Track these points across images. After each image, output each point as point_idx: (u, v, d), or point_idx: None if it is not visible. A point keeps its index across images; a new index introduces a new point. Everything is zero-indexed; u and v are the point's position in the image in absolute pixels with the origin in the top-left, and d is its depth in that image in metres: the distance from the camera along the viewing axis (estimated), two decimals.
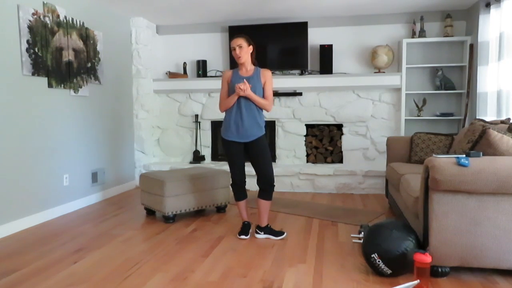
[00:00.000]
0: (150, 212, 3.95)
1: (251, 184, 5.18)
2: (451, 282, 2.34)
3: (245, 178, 3.26)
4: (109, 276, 2.48)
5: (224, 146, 3.22)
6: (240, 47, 3.08)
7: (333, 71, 5.29)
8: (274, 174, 5.09)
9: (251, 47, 3.14)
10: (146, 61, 5.44)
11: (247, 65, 3.15)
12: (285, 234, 3.23)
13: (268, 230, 3.21)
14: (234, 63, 5.41)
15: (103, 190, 4.73)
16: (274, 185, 3.19)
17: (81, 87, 4.30)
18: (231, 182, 3.30)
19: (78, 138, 4.30)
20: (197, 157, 5.57)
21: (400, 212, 3.37)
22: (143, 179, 3.87)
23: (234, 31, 5.38)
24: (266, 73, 3.16)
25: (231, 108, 3.14)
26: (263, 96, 3.16)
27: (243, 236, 3.20)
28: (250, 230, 3.28)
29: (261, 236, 3.21)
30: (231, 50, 3.16)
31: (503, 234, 2.27)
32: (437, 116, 5.01)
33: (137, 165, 5.46)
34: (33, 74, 3.63)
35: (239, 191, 3.24)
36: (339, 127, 5.41)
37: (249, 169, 5.12)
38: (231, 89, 3.13)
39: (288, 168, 5.09)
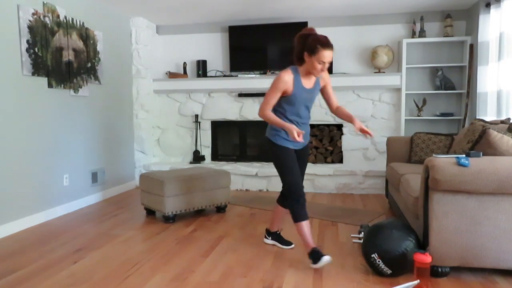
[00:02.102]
0: (150, 212, 3.95)
1: (252, 184, 5.19)
2: (451, 282, 2.34)
3: None
4: (109, 276, 2.48)
5: (283, 153, 2.66)
6: (329, 62, 2.54)
7: (333, 71, 5.29)
8: (274, 174, 5.13)
9: None
10: (146, 61, 5.44)
11: None
12: (293, 245, 2.99)
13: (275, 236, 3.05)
14: (234, 64, 5.41)
15: (103, 190, 4.73)
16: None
17: (81, 87, 4.30)
18: (291, 194, 2.62)
19: (78, 138, 4.30)
20: (197, 157, 5.57)
21: (400, 212, 3.37)
22: (143, 179, 3.87)
23: (234, 31, 5.39)
24: (326, 76, 2.76)
25: (289, 115, 2.66)
26: (327, 100, 2.81)
27: (326, 258, 2.50)
28: (327, 260, 2.52)
29: (269, 241, 3.08)
30: (314, 61, 2.50)
31: (503, 234, 2.27)
32: (437, 116, 5.01)
33: (137, 165, 5.46)
34: (33, 74, 3.63)
35: (304, 205, 2.65)
36: (339, 127, 5.41)
37: (247, 168, 5.13)
38: (290, 98, 2.61)
39: None
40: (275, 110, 2.70)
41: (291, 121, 2.67)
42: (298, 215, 2.62)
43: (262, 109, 2.61)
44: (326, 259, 2.48)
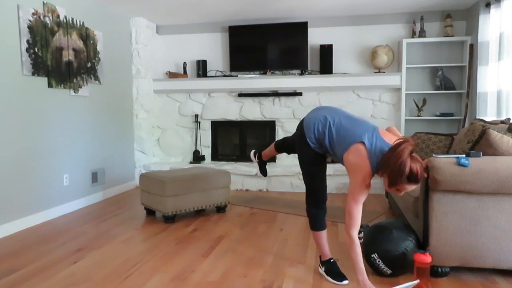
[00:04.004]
0: (150, 212, 3.95)
1: (252, 184, 5.19)
2: (451, 282, 2.34)
3: None
4: (109, 276, 2.48)
5: (316, 160, 2.39)
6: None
7: (333, 71, 5.29)
8: (275, 174, 5.13)
9: None
10: (146, 61, 5.44)
11: None
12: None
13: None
14: (234, 64, 5.41)
15: (103, 190, 4.73)
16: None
17: (81, 87, 4.30)
18: (314, 204, 2.44)
19: (78, 138, 4.30)
20: (197, 157, 5.57)
21: (400, 212, 3.37)
22: (143, 179, 3.87)
23: (234, 31, 5.38)
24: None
25: None
26: None
27: (345, 282, 2.34)
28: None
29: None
30: (396, 188, 2.03)
31: (503, 234, 2.27)
32: (437, 116, 5.01)
33: (137, 165, 5.46)
34: (33, 74, 3.63)
35: (325, 215, 2.48)
36: None
37: (247, 168, 5.13)
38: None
39: (288, 168, 5.09)
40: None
41: None
42: (322, 223, 2.47)
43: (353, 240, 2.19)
44: (345, 282, 2.33)
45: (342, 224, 3.56)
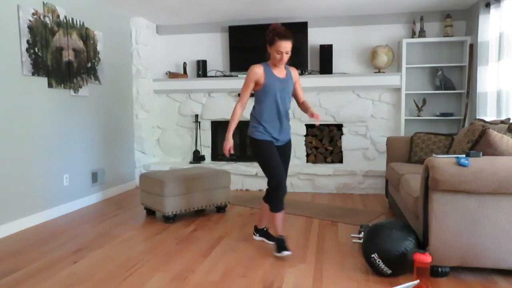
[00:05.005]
0: (150, 212, 3.95)
1: (252, 184, 5.19)
2: (451, 282, 2.34)
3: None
4: (109, 276, 2.48)
5: (263, 146, 2.79)
6: (287, 53, 2.72)
7: (333, 71, 5.29)
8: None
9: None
10: (146, 61, 5.44)
11: (283, 65, 2.83)
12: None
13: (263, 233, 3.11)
14: (234, 64, 5.41)
15: (103, 190, 4.73)
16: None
17: (81, 87, 4.30)
18: (273, 186, 2.75)
19: (78, 138, 4.30)
20: (197, 157, 5.57)
21: (400, 212, 3.37)
22: (143, 179, 3.87)
23: (234, 31, 5.38)
24: (295, 74, 2.95)
25: (267, 111, 2.81)
26: (296, 96, 2.99)
27: (286, 252, 2.71)
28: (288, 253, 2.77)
29: (257, 238, 3.16)
30: (271, 53, 2.72)
31: (503, 234, 2.27)
32: (437, 116, 5.01)
33: (137, 165, 5.46)
34: (33, 74, 3.63)
35: (283, 197, 2.80)
36: (339, 127, 5.41)
37: (247, 168, 5.13)
38: (265, 88, 2.77)
39: (288, 168, 5.08)
40: (255, 108, 2.88)
41: (270, 119, 2.81)
42: (276, 206, 2.79)
43: (236, 105, 2.86)
44: (286, 253, 2.71)
45: (342, 224, 3.57)
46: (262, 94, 2.81)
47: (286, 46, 2.69)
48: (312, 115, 2.76)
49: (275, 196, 2.76)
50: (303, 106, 2.98)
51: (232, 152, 2.86)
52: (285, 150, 2.96)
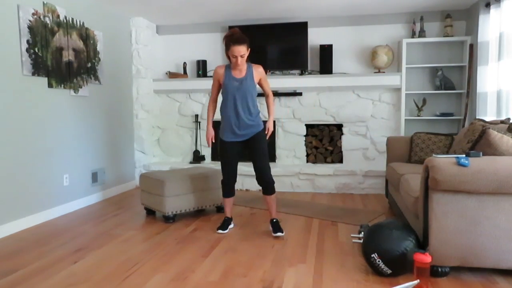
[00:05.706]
0: (150, 212, 3.95)
1: (252, 184, 5.19)
2: (451, 282, 2.34)
3: (236, 178, 3.36)
4: (109, 276, 2.48)
5: (221, 147, 3.30)
6: (242, 56, 3.00)
7: (333, 71, 5.29)
8: (275, 174, 5.12)
9: (249, 49, 3.06)
10: (146, 61, 5.44)
11: (242, 66, 3.11)
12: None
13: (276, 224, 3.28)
14: None
15: (103, 190, 4.73)
16: (273, 181, 3.29)
17: (81, 87, 4.30)
18: (222, 179, 3.38)
19: (78, 138, 4.30)
20: (197, 157, 5.57)
21: (400, 212, 3.37)
22: (143, 179, 3.87)
23: None
24: (259, 71, 3.17)
25: (226, 108, 3.18)
26: (265, 93, 3.29)
27: (220, 231, 3.31)
28: (230, 226, 3.43)
29: (280, 234, 3.21)
30: (229, 56, 3.02)
31: (503, 234, 2.27)
32: (437, 116, 5.01)
33: (137, 165, 5.46)
34: (33, 74, 3.63)
35: (229, 189, 3.35)
36: (339, 127, 5.41)
37: (248, 168, 5.13)
38: (224, 88, 3.15)
39: (288, 168, 5.09)
40: (222, 103, 3.21)
41: (230, 115, 3.16)
42: (224, 193, 3.36)
43: (209, 103, 3.32)
44: (230, 227, 3.39)
45: (342, 224, 3.57)
46: (223, 93, 3.18)
47: (240, 50, 2.95)
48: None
49: (222, 187, 3.36)
50: (267, 100, 3.30)
51: (213, 141, 3.37)
52: (253, 143, 3.24)
